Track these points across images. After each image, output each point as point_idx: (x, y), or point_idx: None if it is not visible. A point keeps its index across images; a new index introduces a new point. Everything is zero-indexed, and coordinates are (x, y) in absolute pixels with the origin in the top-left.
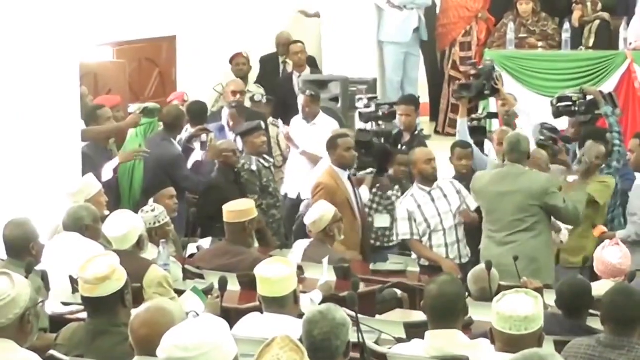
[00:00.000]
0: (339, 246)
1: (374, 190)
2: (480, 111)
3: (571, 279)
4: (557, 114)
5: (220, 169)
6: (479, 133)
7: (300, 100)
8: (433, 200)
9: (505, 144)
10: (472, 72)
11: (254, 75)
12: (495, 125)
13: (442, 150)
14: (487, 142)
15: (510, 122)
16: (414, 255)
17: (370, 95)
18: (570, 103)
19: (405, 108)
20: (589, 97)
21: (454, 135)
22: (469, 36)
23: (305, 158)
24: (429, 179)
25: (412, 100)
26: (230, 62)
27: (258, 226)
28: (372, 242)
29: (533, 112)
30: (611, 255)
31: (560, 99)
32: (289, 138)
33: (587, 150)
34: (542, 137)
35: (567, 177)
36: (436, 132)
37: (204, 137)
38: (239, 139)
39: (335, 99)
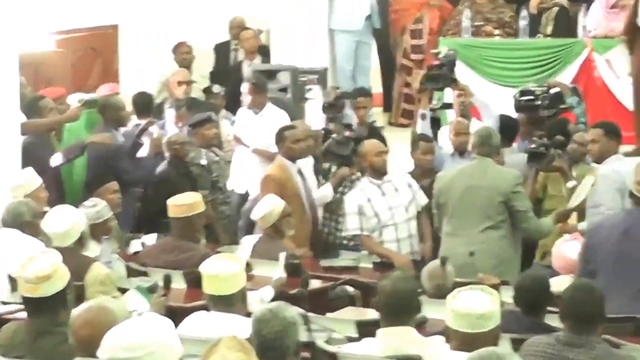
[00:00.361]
0: (288, 242)
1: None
2: (435, 102)
3: (530, 274)
4: (519, 108)
5: (171, 162)
6: (433, 124)
7: (245, 89)
8: (384, 194)
9: (476, 137)
10: (435, 62)
11: (197, 64)
12: (450, 116)
13: (397, 142)
14: (440, 134)
15: (467, 113)
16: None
17: (335, 85)
18: (532, 97)
19: (363, 100)
20: (553, 91)
21: (408, 126)
22: (420, 23)
23: (256, 155)
24: (380, 172)
25: (368, 92)
26: (174, 51)
27: (207, 221)
28: (346, 242)
29: (491, 102)
30: (571, 250)
31: (523, 93)
32: (237, 139)
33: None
34: (533, 146)
35: (566, 184)
36: (389, 123)
37: (152, 129)
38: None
39: (284, 90)
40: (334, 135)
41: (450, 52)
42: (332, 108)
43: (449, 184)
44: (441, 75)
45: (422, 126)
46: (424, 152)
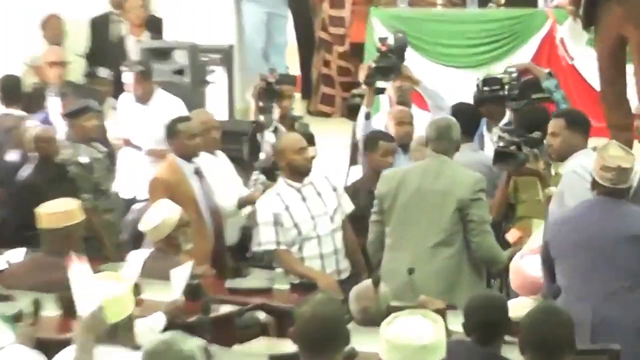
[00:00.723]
0: (185, 258)
1: None
2: (363, 85)
3: (483, 294)
4: (481, 100)
5: (37, 164)
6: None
7: (128, 78)
8: (304, 199)
9: (431, 129)
10: (382, 48)
11: (70, 42)
12: (384, 103)
13: (317, 135)
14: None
15: (406, 100)
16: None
17: (273, 67)
18: (497, 87)
19: (287, 89)
20: (524, 78)
21: (330, 115)
22: None
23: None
24: (301, 173)
25: (293, 79)
26: (42, 26)
27: (89, 233)
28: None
29: (438, 88)
30: (531, 265)
31: (486, 82)
32: (127, 142)
33: None
34: (501, 144)
35: (545, 191)
36: (308, 111)
37: (29, 123)
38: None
39: (180, 72)
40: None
41: (399, 35)
42: (271, 95)
43: (395, 186)
44: (392, 67)
45: (365, 127)
46: (385, 154)
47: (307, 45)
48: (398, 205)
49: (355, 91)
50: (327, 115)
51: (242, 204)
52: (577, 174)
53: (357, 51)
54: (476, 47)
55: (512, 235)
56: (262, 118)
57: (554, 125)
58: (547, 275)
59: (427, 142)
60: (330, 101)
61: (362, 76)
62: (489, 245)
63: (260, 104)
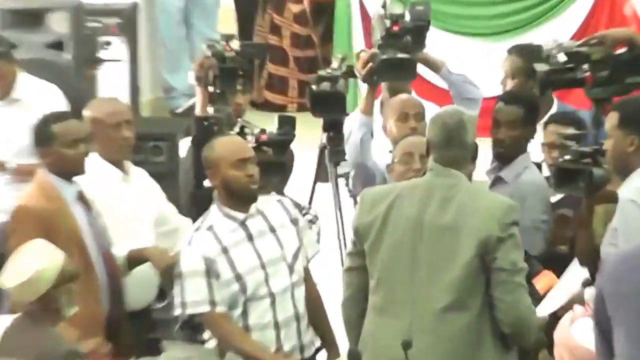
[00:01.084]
0: (67, 328)
1: None
2: (335, 64)
3: None
4: (548, 82)
5: None
6: (333, 103)
7: None
8: (251, 237)
9: (436, 129)
10: (394, 28)
11: None
12: (363, 90)
13: None
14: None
15: (404, 87)
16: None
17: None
18: (573, 65)
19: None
20: (619, 51)
21: (282, 109)
22: None
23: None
24: (244, 198)
25: (264, 50)
26: None
27: None
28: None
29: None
30: (586, 333)
31: (568, 56)
32: None
33: None
34: (566, 157)
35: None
36: (251, 103)
37: None
38: None
39: (58, 45)
40: None
41: (420, 8)
42: (229, 76)
43: (383, 214)
44: (408, 61)
45: (363, 147)
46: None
47: (247, 3)
48: (386, 244)
49: (322, 72)
50: (278, 107)
51: (131, 260)
52: (635, 204)
53: (320, 11)
54: (504, 4)
55: (541, 283)
56: (213, 111)
57: (607, 122)
58: (601, 343)
59: (429, 149)
60: (282, 87)
61: (360, 69)
62: (525, 306)
63: (225, 87)
